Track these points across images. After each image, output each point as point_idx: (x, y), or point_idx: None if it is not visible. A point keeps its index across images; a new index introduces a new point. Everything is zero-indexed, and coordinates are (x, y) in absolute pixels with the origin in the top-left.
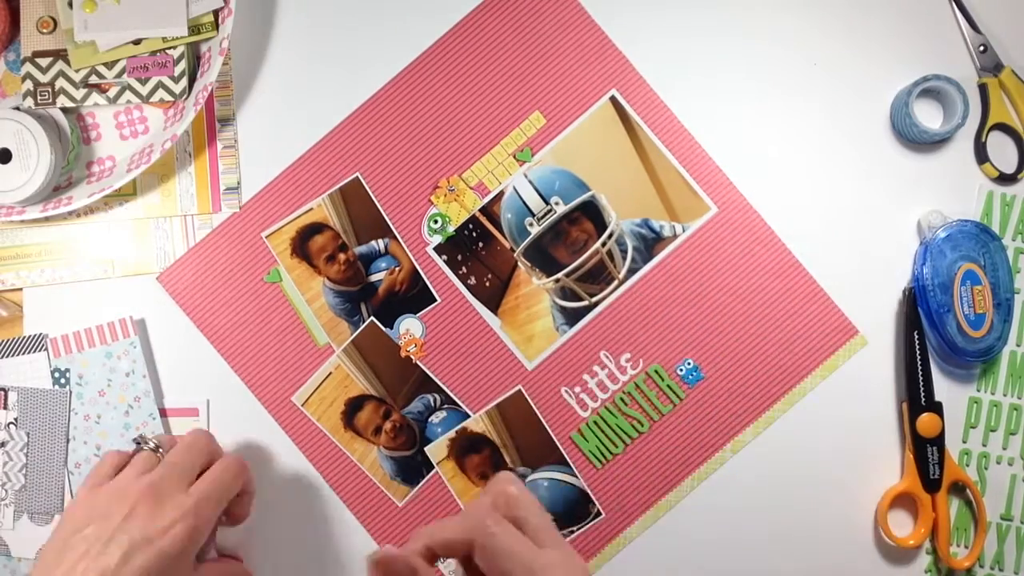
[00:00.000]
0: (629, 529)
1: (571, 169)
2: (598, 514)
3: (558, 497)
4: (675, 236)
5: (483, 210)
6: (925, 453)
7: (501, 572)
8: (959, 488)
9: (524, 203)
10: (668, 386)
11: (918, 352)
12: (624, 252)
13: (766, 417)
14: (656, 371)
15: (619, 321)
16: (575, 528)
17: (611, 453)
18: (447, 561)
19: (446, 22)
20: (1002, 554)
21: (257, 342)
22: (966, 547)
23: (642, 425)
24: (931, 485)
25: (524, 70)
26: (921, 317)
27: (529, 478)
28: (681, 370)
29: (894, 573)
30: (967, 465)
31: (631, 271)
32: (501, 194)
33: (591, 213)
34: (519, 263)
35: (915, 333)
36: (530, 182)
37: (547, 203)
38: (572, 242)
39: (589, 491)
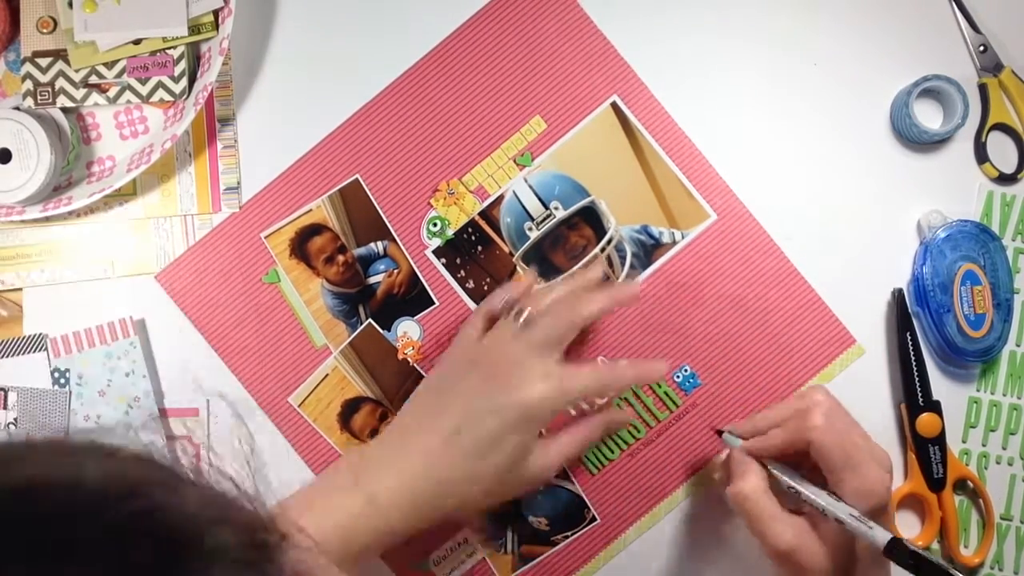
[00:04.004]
0: (624, 535)
1: (571, 174)
2: (593, 519)
3: (554, 502)
4: (674, 243)
5: (482, 214)
6: (927, 453)
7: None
8: (963, 486)
9: (524, 207)
10: (665, 392)
11: (912, 353)
12: (623, 258)
13: None
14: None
15: (617, 327)
16: (570, 533)
17: (607, 459)
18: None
19: (448, 24)
20: (1002, 554)
21: (255, 342)
22: (966, 546)
23: (639, 431)
24: (935, 484)
25: (526, 74)
26: (912, 318)
27: None
28: (678, 376)
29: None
30: (967, 465)
31: (629, 277)
32: (501, 198)
33: (590, 219)
34: (518, 267)
35: (907, 334)
36: (530, 187)
37: (547, 208)
38: (571, 247)
39: (585, 496)
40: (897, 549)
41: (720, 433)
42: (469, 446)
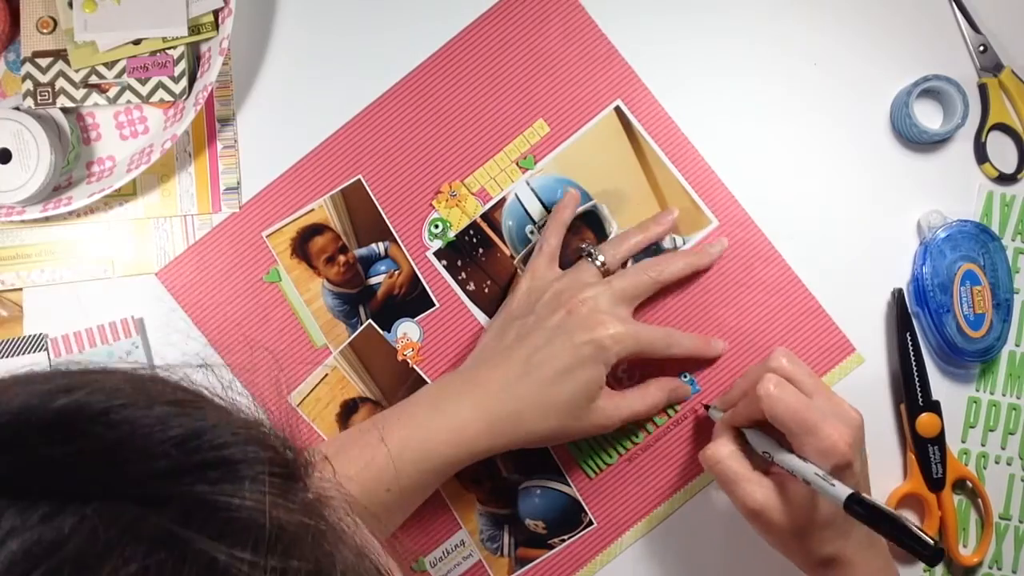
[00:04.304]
0: (621, 539)
1: (574, 178)
2: (590, 523)
3: (551, 505)
4: (675, 248)
5: (484, 216)
6: (927, 453)
7: (780, 423)
8: (962, 485)
9: (525, 210)
10: None
11: (912, 353)
12: (624, 263)
13: None
14: None
15: None
16: (567, 536)
17: (605, 463)
18: None
19: (452, 26)
20: (1000, 553)
21: (255, 341)
22: (964, 545)
23: (637, 436)
24: (935, 484)
25: (529, 77)
26: (912, 318)
27: (522, 486)
28: None
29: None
30: (966, 465)
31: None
32: (503, 201)
33: (592, 223)
34: (519, 270)
35: (907, 334)
36: (532, 190)
37: (549, 211)
38: (573, 251)
39: (582, 500)
40: (856, 503)
41: (708, 408)
42: (544, 375)
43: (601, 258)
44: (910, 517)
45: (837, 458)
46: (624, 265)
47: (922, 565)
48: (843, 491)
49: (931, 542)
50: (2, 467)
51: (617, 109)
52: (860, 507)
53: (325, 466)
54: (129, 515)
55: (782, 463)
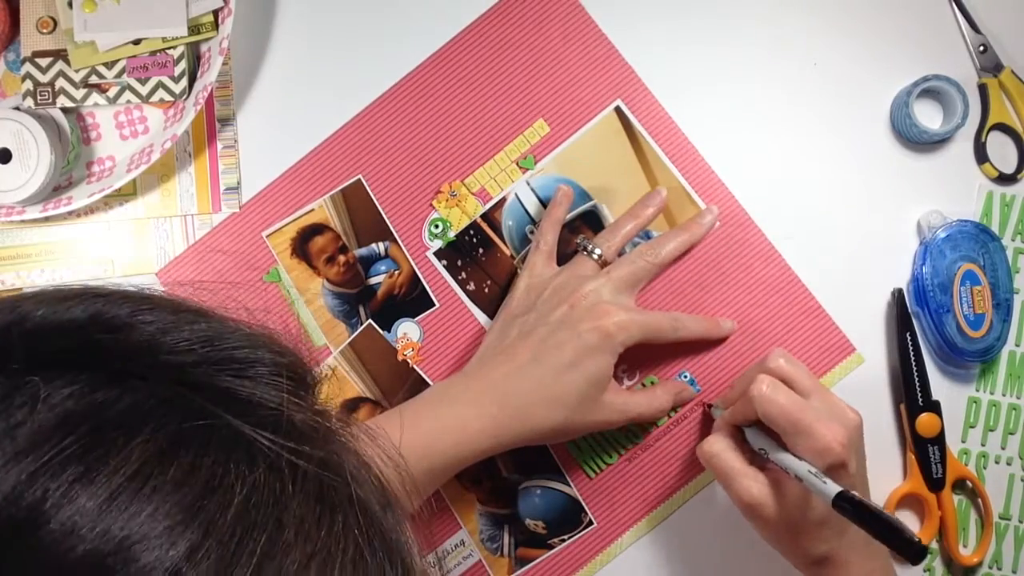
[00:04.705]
0: (621, 539)
1: (574, 178)
2: (590, 523)
3: (551, 505)
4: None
5: (484, 216)
6: (926, 453)
7: (773, 423)
8: (962, 485)
9: (526, 210)
10: None
11: (912, 353)
12: (620, 252)
13: None
14: (652, 383)
15: None
16: (567, 536)
17: (605, 463)
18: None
19: (451, 26)
20: (1000, 553)
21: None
22: (964, 545)
23: (637, 436)
24: (935, 484)
25: (530, 77)
26: (912, 318)
27: (522, 486)
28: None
29: (903, 573)
30: (966, 465)
31: None
32: (503, 201)
33: (592, 223)
34: (519, 270)
35: (907, 334)
36: (532, 190)
37: None
38: (573, 251)
39: (582, 500)
40: (844, 501)
41: (710, 407)
42: (550, 369)
43: (598, 251)
44: (910, 517)
45: (831, 458)
46: (620, 255)
47: (922, 564)
48: (832, 488)
49: (914, 539)
50: (65, 344)
51: (617, 109)
52: (848, 504)
53: (328, 384)
54: (167, 391)
55: (777, 461)
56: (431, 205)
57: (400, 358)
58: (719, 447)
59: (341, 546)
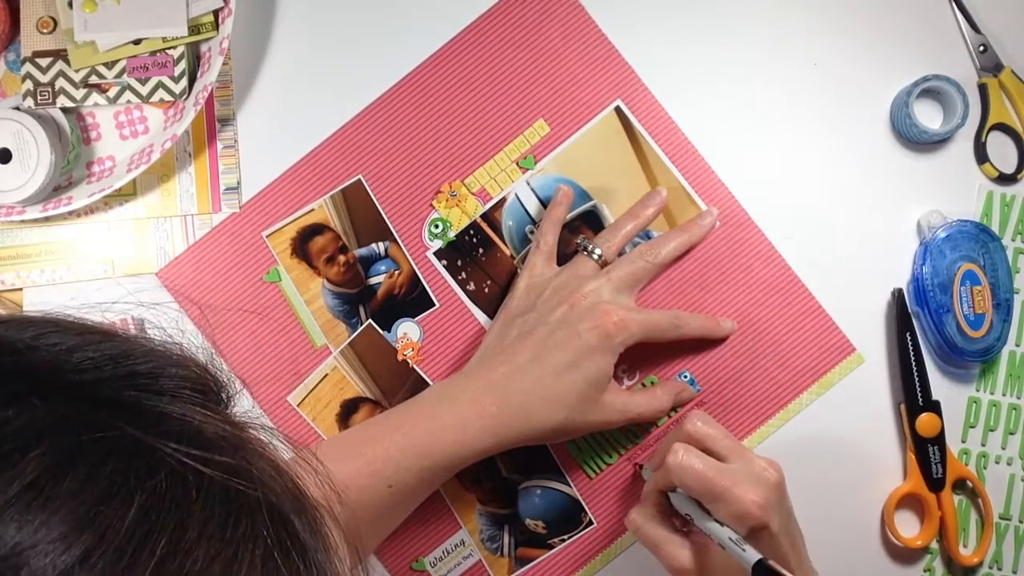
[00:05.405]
0: (621, 539)
1: (574, 178)
2: (590, 523)
3: (551, 505)
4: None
5: (484, 216)
6: (926, 453)
7: (690, 492)
8: (962, 485)
9: (526, 210)
10: None
11: (912, 353)
12: (620, 252)
13: (762, 431)
14: (652, 383)
15: None
16: (567, 536)
17: (605, 463)
18: None
19: (451, 26)
20: (1000, 553)
21: (254, 341)
22: (965, 545)
23: (637, 436)
24: (935, 484)
25: (530, 78)
26: (912, 318)
27: (522, 486)
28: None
29: (902, 573)
30: (966, 465)
31: None
32: (503, 201)
33: (592, 223)
34: (519, 270)
35: (907, 334)
36: (532, 190)
37: None
38: (573, 251)
39: (582, 500)
40: (762, 570)
41: (640, 468)
42: (551, 368)
43: (598, 251)
44: (910, 517)
45: (751, 521)
46: (621, 255)
47: (922, 565)
48: (752, 556)
49: None
50: None
51: (617, 109)
52: (765, 573)
53: (242, 397)
54: (68, 408)
55: (701, 527)
56: (431, 205)
57: (400, 358)
58: (642, 518)
59: (250, 547)
